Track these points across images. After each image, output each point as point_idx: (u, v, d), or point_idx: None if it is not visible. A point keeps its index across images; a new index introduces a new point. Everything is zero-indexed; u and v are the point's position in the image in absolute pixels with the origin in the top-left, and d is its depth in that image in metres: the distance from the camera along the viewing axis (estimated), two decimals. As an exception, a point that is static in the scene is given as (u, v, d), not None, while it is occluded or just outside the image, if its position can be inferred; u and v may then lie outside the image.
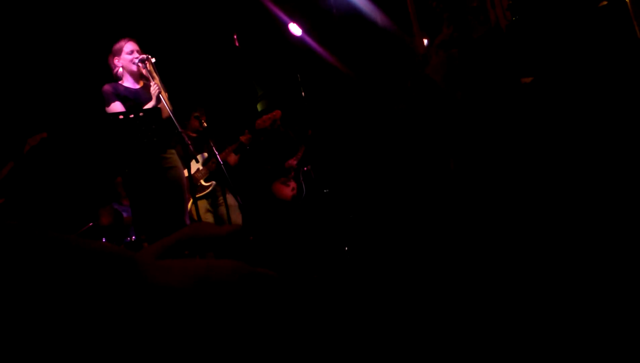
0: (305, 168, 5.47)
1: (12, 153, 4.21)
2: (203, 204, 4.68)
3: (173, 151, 3.63)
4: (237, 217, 4.69)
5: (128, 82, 3.56)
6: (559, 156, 3.26)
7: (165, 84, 3.56)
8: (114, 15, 5.25)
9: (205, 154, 4.73)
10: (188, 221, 3.72)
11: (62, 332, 0.31)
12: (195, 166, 4.69)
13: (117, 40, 3.54)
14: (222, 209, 4.62)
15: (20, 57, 4.96)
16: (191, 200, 4.66)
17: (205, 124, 4.54)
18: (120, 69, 3.54)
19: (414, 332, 2.04)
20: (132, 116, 3.19)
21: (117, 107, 3.39)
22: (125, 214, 5.31)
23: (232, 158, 4.83)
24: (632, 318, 1.61)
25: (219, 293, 0.39)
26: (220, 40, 6.33)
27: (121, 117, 3.19)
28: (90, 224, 5.05)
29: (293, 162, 4.87)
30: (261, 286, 0.41)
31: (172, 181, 3.51)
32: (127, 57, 3.48)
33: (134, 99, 3.46)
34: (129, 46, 3.49)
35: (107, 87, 3.43)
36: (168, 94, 3.52)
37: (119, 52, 3.51)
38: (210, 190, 4.62)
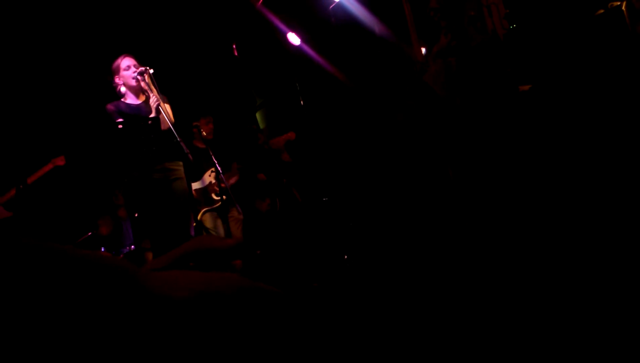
0: (283, 181, 5.49)
1: (16, 178, 4.25)
2: (212, 216, 4.71)
3: (180, 162, 3.63)
4: (239, 230, 4.73)
5: (130, 99, 3.56)
6: (558, 163, 3.26)
7: (166, 94, 3.57)
8: (112, 24, 5.27)
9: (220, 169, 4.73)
10: (193, 233, 3.73)
11: (62, 341, 0.31)
12: (208, 179, 4.72)
13: (114, 58, 3.54)
14: (231, 222, 4.65)
15: (20, 72, 4.98)
16: (202, 211, 4.69)
17: (204, 133, 4.55)
18: (123, 88, 3.54)
19: (413, 339, 2.03)
20: (120, 126, 3.20)
21: None
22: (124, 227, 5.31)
23: (233, 180, 4.89)
24: (632, 318, 1.60)
25: (217, 305, 0.39)
26: (220, 50, 6.36)
27: (120, 126, 3.21)
28: (89, 233, 5.04)
29: (232, 181, 4.87)
30: (262, 301, 0.41)
31: (177, 192, 3.52)
32: (126, 73, 3.48)
33: (135, 115, 3.47)
34: (125, 62, 3.49)
35: (109, 107, 3.44)
36: (170, 105, 3.54)
37: (117, 70, 3.52)
38: (221, 204, 4.64)
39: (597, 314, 1.77)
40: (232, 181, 4.83)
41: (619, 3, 3.20)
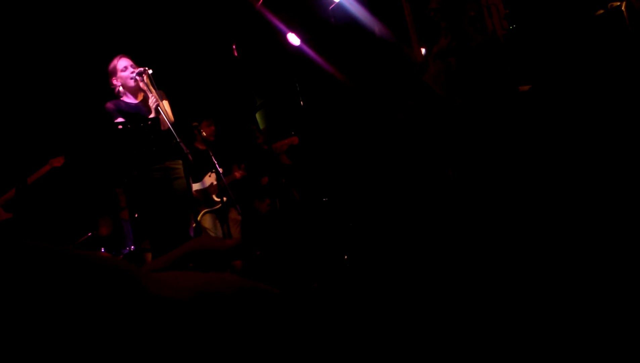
0: (282, 181, 5.50)
1: (15, 178, 4.25)
2: (212, 216, 4.71)
3: (180, 161, 3.63)
4: (237, 231, 4.76)
5: (129, 98, 3.56)
6: (558, 163, 3.27)
7: (166, 94, 3.58)
8: (112, 24, 5.27)
9: (221, 170, 4.73)
10: (192, 234, 3.72)
11: (63, 342, 0.31)
12: (209, 181, 4.73)
13: (110, 60, 3.54)
14: (230, 223, 4.67)
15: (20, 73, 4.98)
16: (202, 212, 4.70)
17: (204, 134, 4.55)
18: (120, 88, 3.54)
19: (413, 339, 2.03)
20: (129, 126, 3.21)
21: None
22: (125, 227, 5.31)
23: (238, 174, 4.90)
24: (632, 318, 1.60)
25: (217, 305, 0.39)
26: (219, 51, 6.36)
27: (120, 127, 3.21)
28: (89, 234, 5.04)
29: (237, 175, 4.91)
30: (262, 301, 0.42)
31: (178, 191, 3.53)
32: (123, 74, 3.48)
33: (134, 114, 3.47)
34: (122, 63, 3.49)
35: (109, 105, 3.44)
36: (170, 103, 3.55)
37: (114, 72, 3.51)
38: (221, 206, 4.65)
39: (596, 314, 1.77)
40: (238, 175, 4.86)
41: (618, 3, 3.20)
